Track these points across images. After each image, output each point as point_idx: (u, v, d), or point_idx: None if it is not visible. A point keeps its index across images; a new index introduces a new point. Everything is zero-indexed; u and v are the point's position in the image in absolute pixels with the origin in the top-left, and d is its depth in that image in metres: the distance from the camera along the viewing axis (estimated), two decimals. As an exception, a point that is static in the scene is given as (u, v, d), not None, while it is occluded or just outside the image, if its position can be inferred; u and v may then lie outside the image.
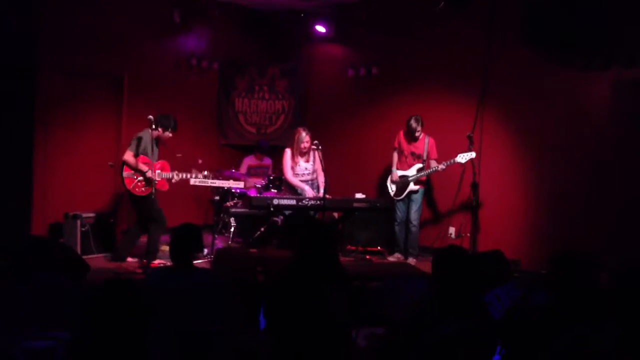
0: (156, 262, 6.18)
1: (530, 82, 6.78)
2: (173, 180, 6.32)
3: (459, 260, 2.96)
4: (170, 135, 6.36)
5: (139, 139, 6.16)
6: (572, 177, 6.51)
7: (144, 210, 6.25)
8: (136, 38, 7.79)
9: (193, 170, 6.38)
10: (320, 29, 8.48)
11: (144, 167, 6.14)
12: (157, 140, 6.30)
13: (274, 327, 3.21)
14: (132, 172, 6.15)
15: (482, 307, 3.00)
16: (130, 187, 6.14)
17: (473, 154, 6.78)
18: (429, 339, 2.76)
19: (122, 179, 6.18)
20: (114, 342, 1.90)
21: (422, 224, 7.32)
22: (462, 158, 6.77)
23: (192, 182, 6.38)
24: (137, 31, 7.78)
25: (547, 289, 3.29)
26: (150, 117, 6.03)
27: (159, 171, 6.25)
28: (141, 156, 6.18)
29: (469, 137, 6.86)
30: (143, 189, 6.17)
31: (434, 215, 7.59)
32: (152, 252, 6.24)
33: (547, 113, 6.69)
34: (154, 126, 6.06)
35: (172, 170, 6.35)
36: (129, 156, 6.16)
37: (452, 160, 6.80)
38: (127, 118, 7.84)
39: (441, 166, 6.86)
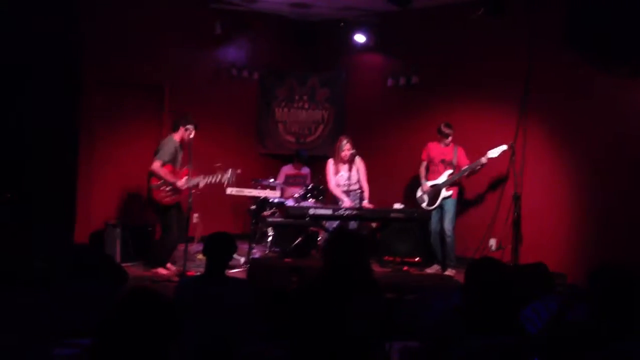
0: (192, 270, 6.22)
1: (574, 89, 6.59)
2: (200, 185, 6.25)
3: (492, 272, 2.85)
4: (193, 132, 6.27)
5: (163, 146, 6.14)
6: (620, 189, 6.28)
7: (163, 219, 6.24)
8: (177, 49, 7.91)
9: (218, 172, 6.34)
10: (360, 38, 8.44)
11: (172, 178, 6.12)
12: (181, 145, 6.30)
13: (301, 336, 3.17)
14: (161, 182, 6.13)
15: (516, 322, 2.88)
16: (159, 197, 6.12)
17: (504, 147, 6.63)
18: (456, 354, 2.67)
19: (150, 189, 6.15)
20: (132, 354, 1.87)
21: (463, 235, 7.17)
22: (494, 153, 6.64)
23: (229, 191, 6.42)
24: (178, 42, 7.91)
25: (586, 303, 3.16)
26: (189, 126, 6.10)
27: (186, 178, 6.22)
28: (167, 165, 6.18)
29: (511, 147, 6.70)
30: (171, 198, 6.16)
31: (475, 226, 7.42)
32: (157, 260, 6.31)
33: (592, 122, 6.48)
34: (178, 127, 6.09)
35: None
36: (157, 166, 6.10)
37: (482, 159, 6.64)
38: (168, 128, 7.94)
39: (471, 166, 6.75)
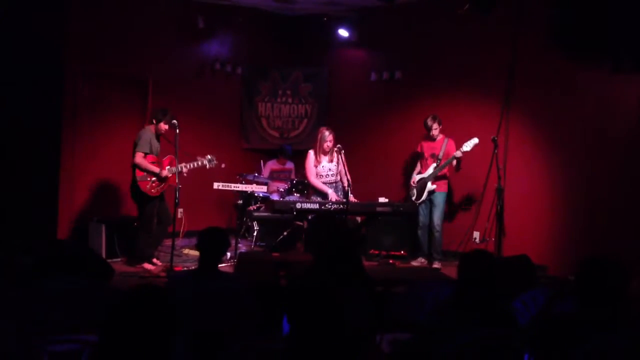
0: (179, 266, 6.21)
1: (558, 84, 6.69)
2: (184, 173, 6.29)
3: (485, 264, 2.90)
4: (166, 127, 6.31)
5: (140, 138, 6.16)
6: (601, 181, 6.40)
7: (145, 210, 6.23)
8: (161, 42, 7.86)
9: (198, 158, 6.40)
10: (343, 33, 8.46)
11: (155, 168, 6.16)
12: (158, 136, 6.35)
13: (295, 330, 3.19)
14: (145, 174, 6.15)
15: (509, 313, 2.94)
16: (146, 189, 6.14)
17: (476, 140, 6.77)
18: (452, 345, 2.72)
19: (135, 181, 6.16)
20: (138, 350, 1.88)
21: (447, 228, 7.24)
22: (467, 146, 6.78)
23: (216, 186, 6.41)
24: (161, 35, 7.86)
25: (573, 295, 3.23)
26: (175, 121, 6.08)
27: (169, 167, 6.25)
28: (149, 156, 6.20)
29: (493, 140, 6.78)
30: (157, 189, 6.19)
31: (458, 219, 7.52)
32: (142, 254, 6.34)
33: (575, 116, 6.59)
34: (154, 121, 6.20)
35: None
36: (139, 158, 6.14)
37: (457, 152, 6.80)
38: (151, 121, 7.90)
39: (451, 160, 6.86)
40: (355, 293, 3.29)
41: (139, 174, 6.14)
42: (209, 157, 6.46)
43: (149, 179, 6.13)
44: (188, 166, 6.32)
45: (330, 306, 3.10)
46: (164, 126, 6.29)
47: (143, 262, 6.30)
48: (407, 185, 7.44)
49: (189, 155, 6.43)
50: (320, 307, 3.09)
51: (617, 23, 5.92)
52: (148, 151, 6.14)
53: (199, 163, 6.40)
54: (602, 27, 5.99)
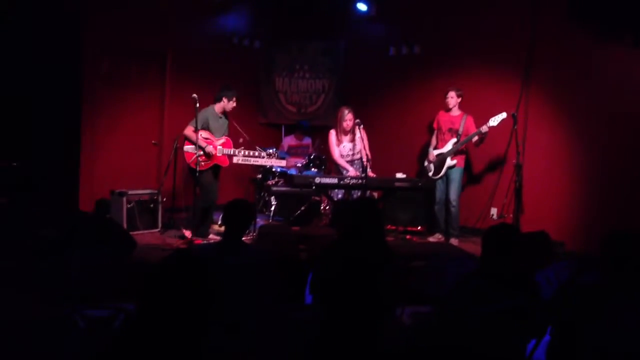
0: (200, 239, 6.28)
1: (578, 58, 6.61)
2: (239, 160, 6.44)
3: (511, 238, 2.93)
4: (234, 104, 6.48)
5: (198, 114, 6.22)
6: (619, 157, 6.36)
7: (198, 182, 6.30)
8: (179, 16, 7.85)
9: (264, 154, 6.54)
10: (362, 7, 8.40)
11: (202, 143, 6.23)
12: (226, 115, 6.51)
13: (320, 301, 3.25)
14: (193, 146, 6.25)
15: (534, 286, 2.97)
16: (189, 160, 6.25)
17: (504, 115, 6.68)
18: (476, 316, 2.76)
19: (182, 152, 6.32)
20: (175, 317, 1.92)
21: (463, 204, 7.24)
22: (494, 121, 6.69)
23: (235, 160, 6.45)
24: (179, 9, 7.84)
25: (596, 269, 3.25)
26: (195, 95, 6.10)
27: (220, 147, 6.38)
28: (203, 131, 6.28)
29: (513, 116, 6.75)
30: (203, 163, 6.26)
31: (476, 196, 7.51)
32: (197, 225, 6.37)
33: (595, 91, 6.52)
34: (220, 99, 6.34)
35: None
36: (189, 131, 6.27)
37: (484, 127, 6.70)
38: (170, 96, 7.95)
39: (470, 136, 6.81)
40: (380, 266, 3.33)
41: (187, 144, 6.30)
42: (263, 154, 6.54)
43: (195, 151, 6.19)
44: (246, 158, 6.44)
45: (358, 278, 3.15)
46: (229, 104, 6.44)
47: (187, 229, 6.51)
48: (422, 161, 7.41)
49: (258, 150, 6.55)
50: (348, 279, 3.14)
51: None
52: (198, 126, 6.19)
53: (259, 159, 6.51)
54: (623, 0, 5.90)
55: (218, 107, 6.46)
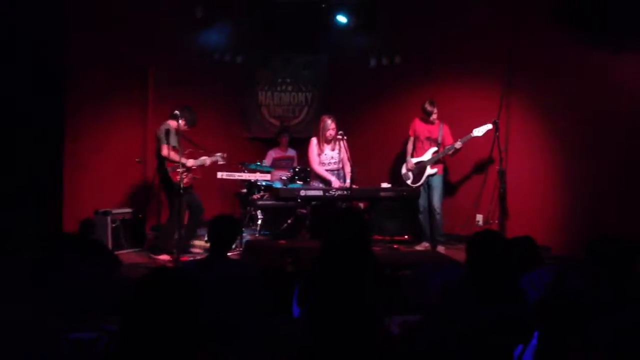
0: (186, 256, 6.24)
1: (559, 65, 6.69)
2: (207, 164, 6.48)
3: (495, 244, 2.94)
4: (187, 129, 6.46)
5: (168, 131, 6.19)
6: (603, 162, 6.42)
7: (177, 200, 6.24)
8: (161, 32, 7.81)
9: (216, 155, 6.59)
10: (342, 19, 8.45)
11: (182, 159, 6.21)
12: (178, 131, 6.41)
13: (308, 313, 3.23)
14: (174, 165, 6.20)
15: (519, 292, 2.98)
16: (177, 180, 6.15)
17: (489, 126, 6.73)
18: (465, 325, 2.76)
19: (166, 174, 6.24)
20: (160, 334, 1.89)
21: (449, 211, 7.27)
22: (479, 131, 6.74)
23: (219, 175, 6.44)
24: (162, 25, 7.81)
25: (580, 273, 3.26)
26: (177, 112, 6.10)
27: (192, 160, 6.39)
28: (175, 149, 6.26)
29: (495, 123, 6.80)
30: (187, 179, 6.25)
31: (461, 203, 7.55)
32: (179, 243, 6.31)
33: (576, 97, 6.59)
34: (179, 118, 6.24)
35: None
36: (167, 151, 6.21)
37: (469, 136, 6.75)
38: (152, 112, 7.91)
39: (458, 144, 6.83)
40: (366, 277, 3.33)
41: (169, 165, 6.23)
42: (219, 154, 6.62)
43: (178, 170, 6.15)
44: (211, 159, 6.53)
45: (344, 291, 3.15)
46: (184, 127, 6.43)
47: (162, 253, 6.34)
48: (399, 170, 7.42)
49: (207, 151, 6.61)
50: (334, 291, 3.14)
51: (618, 3, 5.90)
52: (175, 144, 6.18)
53: (217, 159, 6.58)
54: (603, 7, 5.98)
55: (173, 124, 6.35)
